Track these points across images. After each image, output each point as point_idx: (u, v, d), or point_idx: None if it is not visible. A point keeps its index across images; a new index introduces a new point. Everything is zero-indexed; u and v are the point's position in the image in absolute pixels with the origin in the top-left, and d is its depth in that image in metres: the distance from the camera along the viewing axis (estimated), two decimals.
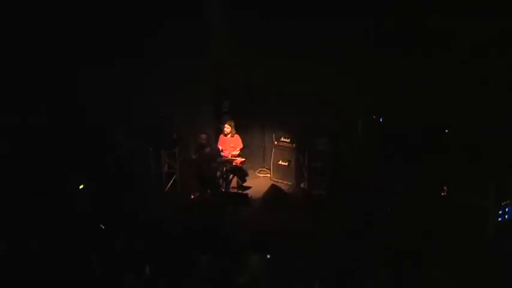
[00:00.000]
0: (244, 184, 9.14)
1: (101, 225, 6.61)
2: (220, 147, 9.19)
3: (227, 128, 9.14)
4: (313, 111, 8.93)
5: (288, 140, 9.79)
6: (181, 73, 8.89)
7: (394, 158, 7.77)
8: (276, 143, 9.93)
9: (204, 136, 8.63)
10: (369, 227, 6.99)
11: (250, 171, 9.73)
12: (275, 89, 9.51)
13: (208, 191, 8.47)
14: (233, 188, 9.00)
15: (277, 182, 9.69)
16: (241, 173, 9.08)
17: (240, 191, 8.82)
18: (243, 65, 9.41)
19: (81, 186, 7.57)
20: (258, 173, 10.32)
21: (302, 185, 9.31)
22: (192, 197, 8.82)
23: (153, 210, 8.03)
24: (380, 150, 8.00)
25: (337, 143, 8.29)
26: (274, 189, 8.94)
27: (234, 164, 8.90)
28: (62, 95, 7.87)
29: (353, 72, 8.29)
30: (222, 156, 8.54)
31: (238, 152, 9.10)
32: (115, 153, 8.39)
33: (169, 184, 9.25)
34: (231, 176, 9.02)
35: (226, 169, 8.83)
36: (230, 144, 9.16)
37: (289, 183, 9.69)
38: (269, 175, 10.05)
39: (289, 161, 9.69)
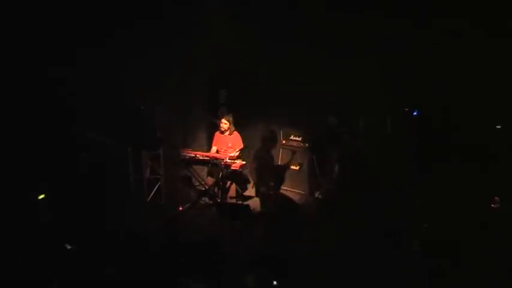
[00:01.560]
0: (245, 193, 9.17)
1: (66, 245, 6.59)
2: (215, 148, 9.16)
3: (224, 124, 9.06)
4: (330, 105, 8.99)
5: (299, 139, 9.72)
6: (168, 56, 8.88)
7: (432, 161, 7.85)
8: (284, 142, 9.85)
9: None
10: (400, 249, 6.95)
11: (252, 178, 9.67)
12: (284, 77, 9.51)
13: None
14: (231, 198, 8.94)
15: (286, 190, 9.62)
16: (241, 180, 9.10)
17: (240, 202, 8.75)
18: (245, 48, 9.42)
19: (40, 197, 7.46)
20: None
21: (317, 195, 9.21)
22: (180, 208, 8.74)
23: (131, 224, 7.96)
24: (414, 152, 8.08)
25: (356, 142, 8.34)
26: (282, 199, 8.78)
27: (232, 168, 8.76)
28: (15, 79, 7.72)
29: (378, 57, 8.44)
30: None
31: (237, 154, 8.97)
32: (85, 155, 8.27)
33: (152, 193, 9.14)
34: (229, 183, 8.92)
35: (222, 175, 8.69)
36: (228, 144, 9.10)
37: (301, 191, 9.62)
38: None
39: (300, 165, 9.57)
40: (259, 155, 8.58)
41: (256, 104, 9.90)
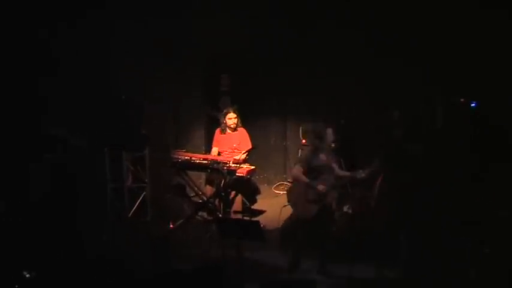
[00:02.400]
0: (254, 207, 8.99)
1: (25, 273, 6.62)
2: (215, 149, 8.96)
3: (229, 120, 8.86)
4: (361, 95, 9.05)
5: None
6: (155, 35, 9.04)
7: (496, 163, 7.62)
8: (304, 141, 9.59)
9: None
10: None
11: (263, 187, 9.80)
12: (302, 60, 9.54)
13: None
14: (236, 212, 8.71)
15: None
16: (249, 189, 8.88)
17: (248, 217, 8.46)
18: (253, 24, 9.58)
19: None
20: (275, 188, 10.61)
21: (346, 209, 8.86)
22: (171, 226, 8.68)
23: (108, 248, 7.97)
24: (472, 150, 7.80)
25: (414, 145, 7.96)
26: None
27: (237, 174, 8.54)
28: None
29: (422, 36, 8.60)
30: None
31: (244, 156, 8.64)
32: (49, 157, 8.22)
33: (135, 206, 9.02)
34: (233, 193, 8.67)
35: (225, 183, 8.48)
36: (233, 144, 8.88)
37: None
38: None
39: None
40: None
41: (266, 94, 10.05)
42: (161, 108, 9.28)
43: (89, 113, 8.55)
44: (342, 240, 8.12)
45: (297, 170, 7.35)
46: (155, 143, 9.14)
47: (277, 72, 9.89)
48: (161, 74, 9.18)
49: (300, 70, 9.66)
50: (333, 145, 8.63)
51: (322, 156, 7.37)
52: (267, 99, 10.02)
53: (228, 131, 8.90)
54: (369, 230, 8.11)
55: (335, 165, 7.45)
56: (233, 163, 8.56)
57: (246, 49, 9.83)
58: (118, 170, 9.01)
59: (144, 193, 9.09)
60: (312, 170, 7.33)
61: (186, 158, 8.73)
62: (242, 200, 8.90)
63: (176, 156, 8.79)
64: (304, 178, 7.25)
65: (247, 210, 8.83)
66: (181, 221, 8.75)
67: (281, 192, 10.25)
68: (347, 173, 7.57)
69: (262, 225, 7.22)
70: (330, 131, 7.91)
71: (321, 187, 7.22)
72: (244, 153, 8.65)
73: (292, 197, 7.60)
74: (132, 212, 9.01)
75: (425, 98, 8.59)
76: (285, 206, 8.25)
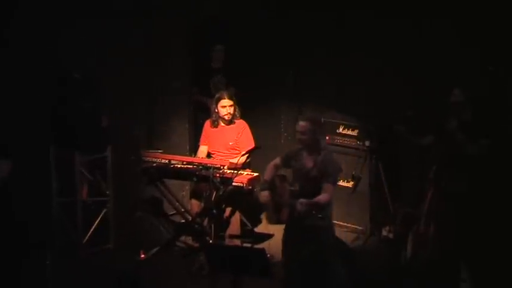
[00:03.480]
0: (258, 229, 8.70)
1: None
2: (205, 149, 8.71)
3: (223, 108, 8.56)
4: (412, 75, 8.94)
5: (354, 133, 9.34)
6: None
7: None
8: (327, 138, 8.88)
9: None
10: None
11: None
12: (325, 27, 9.52)
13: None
14: (233, 237, 8.03)
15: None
16: (250, 205, 8.54)
17: (249, 244, 7.62)
18: None
19: None
20: None
21: (385, 233, 8.80)
22: (143, 256, 8.34)
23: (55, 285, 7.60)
24: None
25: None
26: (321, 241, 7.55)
27: (234, 184, 8.13)
28: None
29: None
30: None
31: (244, 159, 7.88)
32: None
33: (92, 229, 8.66)
34: (229, 211, 7.89)
35: (218, 196, 7.97)
36: (228, 142, 8.68)
37: (359, 227, 9.24)
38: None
39: (356, 179, 9.12)
40: None
41: (275, 73, 9.90)
42: (130, 92, 9.07)
43: (25, 98, 8.31)
44: (379, 283, 7.86)
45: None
46: (121, 141, 8.93)
47: (291, 43, 9.76)
48: (131, 45, 9.00)
49: (318, 41, 9.63)
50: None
51: (308, 161, 6.88)
52: (276, 81, 9.92)
53: (222, 123, 8.62)
54: (422, 265, 7.70)
55: (328, 186, 6.82)
56: (229, 168, 8.16)
57: (248, 11, 9.80)
58: (68, 179, 8.69)
59: (105, 210, 8.79)
60: (294, 177, 7.14)
61: (164, 161, 8.44)
62: (241, 220, 8.64)
63: (149, 158, 8.51)
64: (269, 172, 7.02)
65: (248, 233, 8.24)
66: (157, 248, 8.44)
67: None
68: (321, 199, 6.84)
69: (268, 255, 6.51)
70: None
71: (299, 206, 6.71)
72: (244, 155, 7.86)
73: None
74: (87, 236, 8.63)
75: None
76: None
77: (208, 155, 8.65)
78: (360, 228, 9.12)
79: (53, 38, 8.61)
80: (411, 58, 9.16)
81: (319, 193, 6.95)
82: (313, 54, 9.84)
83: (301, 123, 7.12)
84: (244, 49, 9.97)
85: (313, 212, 7.01)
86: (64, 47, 8.61)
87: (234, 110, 8.62)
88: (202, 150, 8.66)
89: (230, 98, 8.59)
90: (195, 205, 8.48)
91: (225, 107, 8.52)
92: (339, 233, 8.54)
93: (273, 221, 7.75)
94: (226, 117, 8.58)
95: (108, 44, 8.78)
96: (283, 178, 7.73)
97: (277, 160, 7.24)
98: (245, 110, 8.92)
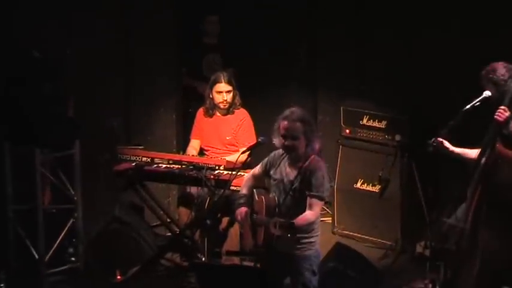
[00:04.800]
0: (262, 243, 7.56)
1: None
2: (197, 143, 8.58)
3: (219, 94, 8.41)
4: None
5: (382, 125, 9.19)
6: None
7: None
8: (347, 131, 9.35)
9: None
10: None
11: None
12: None
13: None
14: (231, 253, 8.09)
15: (353, 238, 9.29)
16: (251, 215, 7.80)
17: (251, 262, 7.66)
18: None
19: None
20: None
21: (420, 249, 8.13)
22: (119, 277, 8.12)
23: None
24: None
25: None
26: (345, 257, 7.77)
27: (232, 188, 7.88)
28: None
29: None
30: None
31: (244, 158, 7.58)
32: None
33: (58, 242, 8.35)
34: (226, 221, 7.98)
35: (212, 202, 7.98)
36: (225, 136, 8.57)
37: (387, 242, 9.00)
38: (329, 220, 9.58)
39: (384, 182, 9.03)
40: None
41: (282, 51, 9.95)
42: (103, 74, 8.96)
43: None
44: None
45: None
46: (91, 135, 8.77)
47: (303, 12, 9.75)
48: (103, 16, 8.92)
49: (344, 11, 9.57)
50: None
51: (292, 170, 6.66)
52: (285, 60, 9.88)
53: (218, 113, 8.46)
54: None
55: (314, 201, 6.59)
56: (225, 169, 8.01)
57: None
58: (27, 182, 8.31)
59: (73, 221, 8.44)
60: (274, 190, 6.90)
61: (145, 160, 8.21)
62: (241, 233, 7.84)
63: (127, 157, 8.28)
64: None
65: (247, 250, 7.52)
66: (137, 268, 8.06)
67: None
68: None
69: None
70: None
71: (272, 228, 6.45)
72: (244, 153, 7.54)
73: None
74: (51, 252, 8.25)
75: None
76: None
77: (201, 152, 8.46)
78: (389, 243, 8.88)
79: (7, 8, 8.48)
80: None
81: (304, 210, 6.71)
82: (333, 26, 9.73)
83: (285, 122, 6.76)
84: (244, 21, 9.89)
85: (289, 235, 6.72)
86: (21, 19, 8.42)
87: (233, 97, 8.43)
88: (194, 145, 8.48)
89: (228, 82, 8.38)
90: (184, 214, 8.26)
91: (222, 92, 8.31)
92: (362, 249, 8.43)
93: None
94: (222, 106, 8.40)
95: (76, 14, 8.58)
96: (262, 192, 7.49)
97: (257, 169, 7.00)
98: (246, 96, 8.71)
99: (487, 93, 7.55)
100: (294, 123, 6.55)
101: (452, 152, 7.77)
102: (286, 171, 6.74)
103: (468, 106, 7.61)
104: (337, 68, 9.72)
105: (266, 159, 7.01)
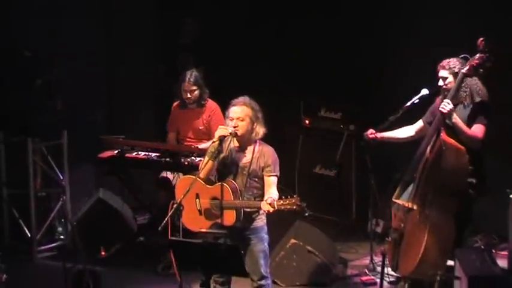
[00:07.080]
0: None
1: None
2: (173, 136, 8.85)
3: (184, 92, 8.62)
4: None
5: (338, 116, 9.52)
6: None
7: None
8: (307, 122, 9.68)
9: None
10: None
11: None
12: None
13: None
14: (206, 233, 7.40)
15: (312, 218, 8.35)
16: None
17: (224, 240, 7.27)
18: None
19: None
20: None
21: (378, 228, 8.77)
22: (103, 253, 8.56)
23: None
24: None
25: None
26: (304, 233, 8.38)
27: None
28: None
29: None
30: None
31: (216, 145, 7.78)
32: None
33: (47, 223, 8.77)
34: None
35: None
36: (198, 127, 8.77)
37: (343, 220, 9.42)
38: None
39: (339, 167, 9.31)
40: None
41: (251, 49, 9.99)
42: (87, 70, 9.16)
43: None
44: None
45: None
46: (78, 126, 9.00)
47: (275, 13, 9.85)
48: (87, 16, 9.12)
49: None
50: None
51: (242, 155, 6.72)
52: (248, 57, 9.96)
53: (190, 106, 8.73)
54: None
55: (274, 181, 6.71)
56: (198, 156, 8.24)
57: None
58: (20, 168, 8.71)
59: (61, 203, 8.84)
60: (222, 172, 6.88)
61: (126, 148, 8.55)
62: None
63: (111, 145, 8.63)
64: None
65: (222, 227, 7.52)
66: (117, 246, 8.61)
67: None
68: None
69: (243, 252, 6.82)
70: None
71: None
72: (215, 141, 7.62)
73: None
74: (41, 232, 8.68)
75: None
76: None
77: (178, 142, 8.79)
78: (344, 221, 9.28)
79: (2, 13, 8.65)
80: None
81: (260, 191, 6.79)
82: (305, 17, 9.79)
83: (235, 108, 6.81)
84: (223, 21, 9.92)
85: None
86: (15, 22, 8.61)
87: (200, 94, 8.63)
88: (171, 138, 8.82)
89: (194, 83, 8.58)
90: (163, 196, 8.51)
91: (186, 91, 8.62)
92: (319, 226, 8.68)
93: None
94: (187, 101, 8.69)
95: (62, 16, 8.80)
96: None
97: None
98: (220, 91, 8.74)
99: (424, 91, 8.05)
100: (241, 107, 6.73)
101: (382, 137, 8.02)
102: (238, 156, 6.90)
103: (408, 103, 8.05)
104: (300, 66, 9.81)
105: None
